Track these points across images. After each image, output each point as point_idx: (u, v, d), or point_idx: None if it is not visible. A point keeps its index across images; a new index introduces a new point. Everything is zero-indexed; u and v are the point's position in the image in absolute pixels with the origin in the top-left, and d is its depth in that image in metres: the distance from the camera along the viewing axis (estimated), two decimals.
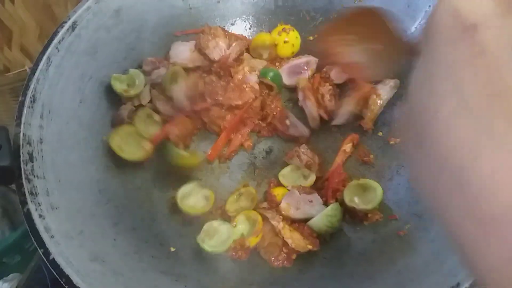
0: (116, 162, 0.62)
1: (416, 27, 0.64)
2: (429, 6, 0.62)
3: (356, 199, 0.60)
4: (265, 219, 0.60)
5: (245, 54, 0.72)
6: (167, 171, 0.64)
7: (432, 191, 0.22)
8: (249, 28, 0.75)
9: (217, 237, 0.58)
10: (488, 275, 0.18)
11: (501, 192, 0.17)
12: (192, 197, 0.61)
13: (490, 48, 0.20)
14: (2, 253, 0.72)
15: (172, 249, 0.58)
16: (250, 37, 0.75)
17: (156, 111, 0.66)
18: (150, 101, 0.67)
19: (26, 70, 0.55)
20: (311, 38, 0.74)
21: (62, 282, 0.45)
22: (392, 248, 0.56)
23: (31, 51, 0.86)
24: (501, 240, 0.17)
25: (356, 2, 0.70)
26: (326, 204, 0.61)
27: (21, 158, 0.50)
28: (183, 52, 0.69)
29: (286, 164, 0.65)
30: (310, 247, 0.57)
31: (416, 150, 0.23)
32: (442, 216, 0.21)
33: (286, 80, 0.70)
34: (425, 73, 0.22)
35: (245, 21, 0.75)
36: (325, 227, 0.58)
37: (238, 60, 0.71)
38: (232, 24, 0.75)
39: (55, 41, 0.58)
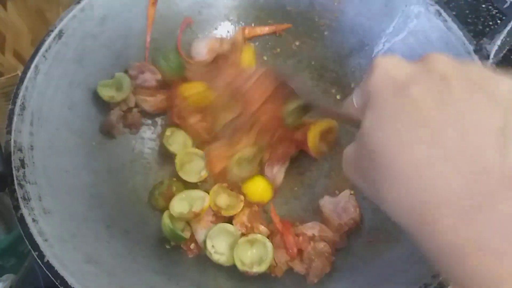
0: (107, 167, 0.63)
1: (393, 27, 0.66)
2: (406, 5, 0.64)
3: (246, 261, 0.58)
4: None
5: None
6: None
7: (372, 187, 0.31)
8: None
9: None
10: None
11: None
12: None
13: (419, 98, 0.27)
14: None
15: (168, 247, 0.60)
16: None
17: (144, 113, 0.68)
18: (136, 106, 0.68)
19: (18, 74, 0.56)
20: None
21: (57, 284, 0.46)
22: (378, 241, 0.58)
23: (24, 56, 0.87)
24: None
25: (336, 3, 0.72)
26: None
27: (13, 165, 0.51)
28: (200, 51, 0.71)
29: None
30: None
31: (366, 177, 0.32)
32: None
33: None
34: (377, 122, 0.29)
35: (232, 24, 0.77)
36: None
37: None
38: (216, 29, 0.76)
39: (42, 49, 0.59)
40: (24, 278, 0.67)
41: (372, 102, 0.30)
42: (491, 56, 0.58)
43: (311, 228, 0.59)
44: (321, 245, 0.58)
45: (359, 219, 0.60)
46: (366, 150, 0.30)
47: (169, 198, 0.61)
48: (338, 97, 0.73)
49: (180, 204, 0.60)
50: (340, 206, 0.61)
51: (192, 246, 0.60)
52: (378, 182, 0.29)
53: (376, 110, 0.29)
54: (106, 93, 0.65)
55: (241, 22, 0.77)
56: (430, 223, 0.26)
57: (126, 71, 0.68)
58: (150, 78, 0.69)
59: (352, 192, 0.63)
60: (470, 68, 0.29)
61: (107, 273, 0.50)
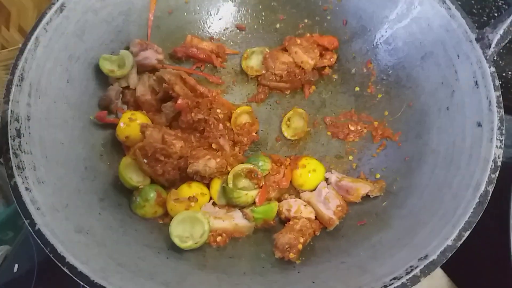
0: (102, 141, 0.64)
1: (397, 13, 0.66)
2: None
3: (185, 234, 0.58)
4: None
5: None
6: None
7: None
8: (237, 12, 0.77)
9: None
10: None
11: None
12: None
13: None
14: None
15: (160, 222, 0.61)
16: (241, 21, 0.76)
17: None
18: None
19: (20, 47, 0.57)
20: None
21: (47, 251, 0.47)
22: (368, 224, 0.58)
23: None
24: None
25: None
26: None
27: (9, 134, 0.52)
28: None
29: None
30: None
31: None
32: None
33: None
34: None
35: (235, 6, 0.77)
36: None
37: None
38: (218, 10, 0.76)
39: (44, 22, 0.59)
40: (19, 249, 0.69)
41: None
42: (493, 45, 0.57)
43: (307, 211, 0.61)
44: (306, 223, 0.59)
45: (345, 204, 0.61)
46: None
47: (160, 205, 0.60)
48: (335, 76, 0.73)
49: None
50: (322, 197, 0.61)
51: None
52: None
53: None
54: (108, 66, 0.65)
55: (243, 5, 0.76)
56: None
57: (127, 48, 0.68)
58: (152, 55, 0.69)
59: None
60: None
61: (97, 243, 0.51)
